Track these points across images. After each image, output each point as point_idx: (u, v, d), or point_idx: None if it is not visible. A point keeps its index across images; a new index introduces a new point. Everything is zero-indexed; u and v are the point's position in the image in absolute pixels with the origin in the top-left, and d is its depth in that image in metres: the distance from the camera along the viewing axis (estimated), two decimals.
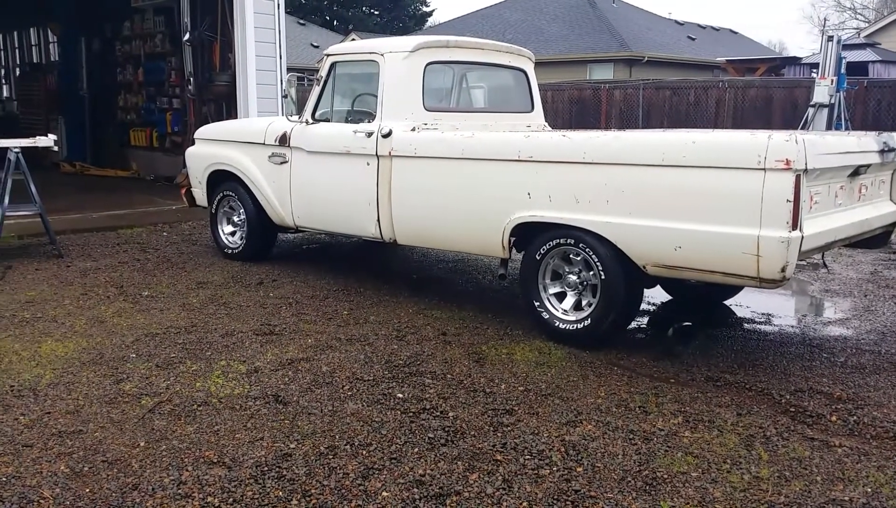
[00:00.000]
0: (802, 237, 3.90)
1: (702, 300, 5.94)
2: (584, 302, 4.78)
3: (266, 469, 3.18)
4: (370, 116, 5.81)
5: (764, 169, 3.86)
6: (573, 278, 4.79)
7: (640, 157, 4.32)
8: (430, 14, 56.50)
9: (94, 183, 12.96)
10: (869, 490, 3.07)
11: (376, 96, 5.76)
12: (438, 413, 3.75)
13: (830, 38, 11.63)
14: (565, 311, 4.82)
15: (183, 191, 7.91)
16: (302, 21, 44.59)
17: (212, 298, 5.82)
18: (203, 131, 7.69)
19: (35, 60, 17.19)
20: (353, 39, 32.00)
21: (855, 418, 3.76)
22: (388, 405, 3.85)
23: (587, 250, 4.61)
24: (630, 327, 5.12)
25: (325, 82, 6.19)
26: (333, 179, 6.02)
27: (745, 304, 5.91)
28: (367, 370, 4.32)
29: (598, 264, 4.57)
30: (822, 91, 11.59)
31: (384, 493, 3.01)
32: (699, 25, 38.07)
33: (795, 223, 3.86)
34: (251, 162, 6.77)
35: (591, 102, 16.66)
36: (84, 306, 5.56)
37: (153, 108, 13.84)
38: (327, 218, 6.28)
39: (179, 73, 12.72)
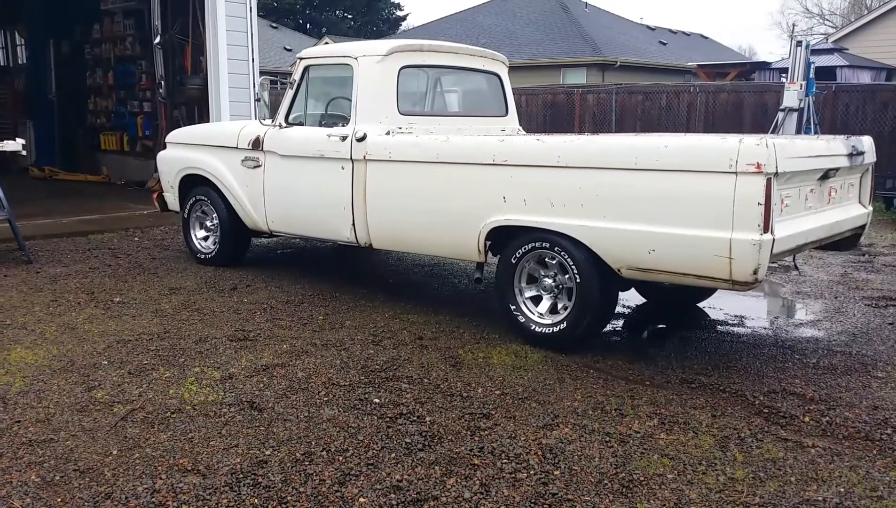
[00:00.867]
0: (774, 240, 3.94)
1: (676, 303, 5.99)
2: (559, 305, 4.80)
3: (241, 476, 3.15)
4: (344, 120, 5.79)
5: (735, 173, 3.90)
6: (549, 281, 4.81)
7: (613, 161, 4.34)
8: (404, 18, 56.45)
9: (64, 188, 12.79)
10: (842, 489, 3.11)
11: (350, 100, 5.74)
12: (415, 418, 3.74)
13: (799, 44, 11.78)
14: (541, 314, 4.84)
15: (154, 195, 7.82)
16: (275, 24, 44.33)
17: (185, 304, 5.76)
18: (175, 135, 7.62)
19: (2, 63, 16.92)
20: (327, 43, 31.89)
21: (827, 418, 3.81)
22: (365, 410, 3.83)
23: (562, 253, 4.62)
24: (605, 329, 5.15)
25: (299, 86, 6.16)
26: (308, 184, 5.99)
27: (718, 306, 5.96)
28: (343, 376, 4.30)
29: (573, 267, 4.59)
30: (792, 95, 11.74)
31: (361, 499, 2.99)
32: (670, 31, 38.41)
33: (767, 226, 3.90)
34: (224, 166, 6.71)
35: (564, 106, 16.74)
36: (54, 313, 5.47)
37: (124, 111, 13.68)
38: (302, 222, 6.24)
39: (150, 76, 12.59)
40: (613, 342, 5.19)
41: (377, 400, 3.95)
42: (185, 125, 9.98)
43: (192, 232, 7.23)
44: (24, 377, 4.20)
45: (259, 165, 6.38)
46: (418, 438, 3.51)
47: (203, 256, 7.12)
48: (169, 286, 6.29)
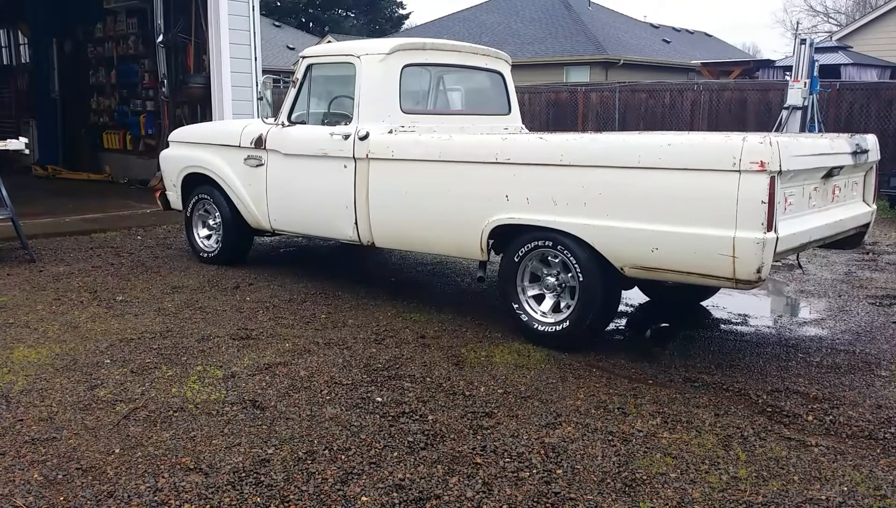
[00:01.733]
0: (777, 238, 3.93)
1: (679, 302, 5.98)
2: (562, 304, 4.79)
3: (244, 475, 3.15)
4: (347, 119, 5.78)
5: (739, 171, 3.89)
6: (551, 280, 4.80)
7: (616, 159, 4.33)
8: (406, 16, 56.46)
9: (67, 187, 12.81)
10: (845, 488, 3.10)
11: (353, 99, 5.74)
12: (418, 417, 3.73)
13: (803, 42, 11.74)
14: (544, 313, 4.83)
15: (157, 194, 7.83)
16: (277, 23, 44.34)
17: (187, 302, 5.77)
18: (177, 134, 7.62)
19: (5, 63, 16.94)
20: (329, 42, 31.90)
21: (831, 417, 3.80)
22: (367, 409, 3.83)
23: (565, 252, 4.62)
24: (608, 328, 5.14)
25: (301, 84, 6.16)
26: (310, 182, 5.99)
27: (721, 305, 5.95)
28: (345, 374, 4.29)
29: (576, 266, 4.58)
30: (796, 94, 11.71)
31: (363, 498, 2.99)
32: (674, 28, 38.34)
33: (770, 225, 3.89)
34: (227, 165, 6.71)
35: (567, 104, 16.72)
36: (57, 312, 5.48)
37: (126, 110, 13.69)
38: (304, 221, 6.24)
39: (153, 75, 12.59)
40: (616, 341, 5.18)
41: (379, 399, 3.95)
42: (187, 124, 9.97)
43: (194, 231, 7.24)
44: (27, 376, 4.21)
45: (262, 164, 6.38)
46: (421, 437, 3.51)
47: (206, 254, 7.13)
48: (171, 285, 6.29)
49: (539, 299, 4.89)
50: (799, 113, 11.70)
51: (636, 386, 4.18)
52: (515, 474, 3.19)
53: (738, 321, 5.59)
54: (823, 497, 3.03)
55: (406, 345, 4.83)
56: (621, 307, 5.61)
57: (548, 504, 2.96)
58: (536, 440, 3.49)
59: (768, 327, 5.48)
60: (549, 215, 4.62)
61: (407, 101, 5.84)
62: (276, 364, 4.43)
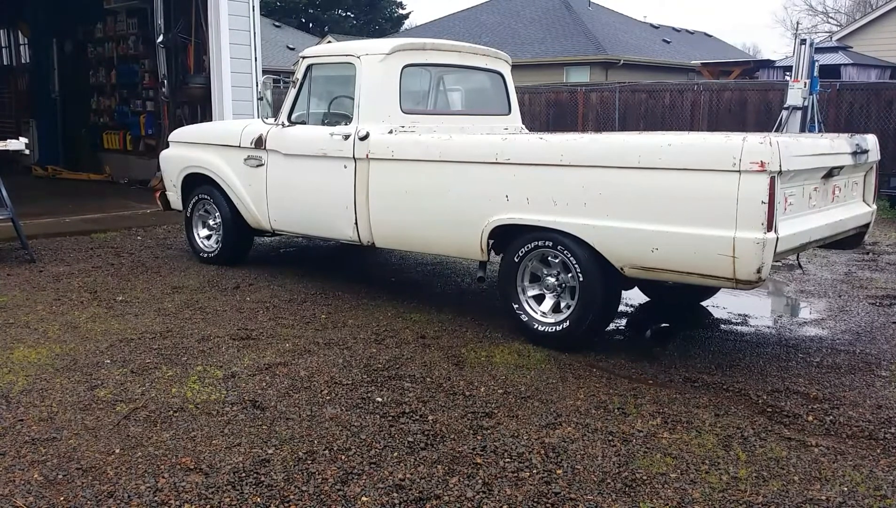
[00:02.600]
0: (777, 239, 3.93)
1: (679, 302, 5.98)
2: (562, 304, 4.79)
3: (244, 475, 3.15)
4: (347, 119, 5.78)
5: (739, 171, 3.89)
6: (552, 280, 4.80)
7: (616, 159, 4.33)
8: (406, 17, 56.45)
9: (67, 187, 12.81)
10: (845, 489, 3.10)
11: (353, 99, 5.74)
12: (418, 417, 3.73)
13: (803, 42, 11.74)
14: (544, 313, 4.83)
15: (157, 194, 7.83)
16: (277, 23, 44.33)
17: (187, 302, 5.77)
18: (177, 134, 7.62)
19: (5, 63, 16.94)
20: (329, 42, 31.89)
21: (831, 417, 3.80)
22: (367, 409, 3.83)
23: (565, 252, 4.62)
24: (608, 328, 5.14)
25: (301, 85, 6.16)
26: (310, 182, 5.99)
27: (721, 305, 5.95)
28: (345, 375, 4.29)
29: (576, 266, 4.58)
30: (796, 94, 11.71)
31: (364, 498, 2.99)
32: (674, 29, 38.33)
33: (770, 225, 3.89)
34: (227, 165, 6.71)
35: (567, 104, 16.71)
36: (57, 312, 5.48)
37: (127, 110, 13.70)
38: (304, 221, 6.24)
39: (153, 75, 12.59)
40: (616, 341, 5.18)
41: (380, 399, 3.95)
42: (187, 124, 9.97)
43: (194, 231, 7.24)
44: (27, 376, 4.21)
45: (262, 164, 6.38)
46: (421, 437, 3.51)
47: (206, 254, 7.13)
48: (171, 285, 6.29)
49: (539, 299, 4.89)
50: (799, 113, 11.70)
51: (636, 386, 4.18)
52: (515, 474, 3.19)
53: (738, 321, 5.59)
54: (823, 498, 3.02)
55: (406, 345, 4.83)
56: (621, 307, 5.61)
57: (548, 504, 2.96)
58: (536, 441, 3.49)
59: (768, 327, 5.47)
60: (550, 215, 4.62)
61: (407, 101, 5.84)
62: (277, 364, 4.43)
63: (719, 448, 3.45)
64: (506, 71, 6.69)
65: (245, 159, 6.51)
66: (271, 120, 6.32)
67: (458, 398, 3.97)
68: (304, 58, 6.22)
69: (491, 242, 5.00)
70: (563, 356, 4.63)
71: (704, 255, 4.07)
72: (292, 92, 6.20)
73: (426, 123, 5.83)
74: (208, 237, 7.17)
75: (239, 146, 6.57)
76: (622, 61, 28.70)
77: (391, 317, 5.45)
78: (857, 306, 5.94)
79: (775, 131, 11.51)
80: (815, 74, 11.95)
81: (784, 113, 11.94)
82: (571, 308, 4.69)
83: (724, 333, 5.30)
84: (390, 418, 3.72)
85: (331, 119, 6.02)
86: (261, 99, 6.36)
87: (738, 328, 5.42)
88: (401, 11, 56.38)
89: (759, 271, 3.93)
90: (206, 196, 6.99)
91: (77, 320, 5.29)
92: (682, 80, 23.04)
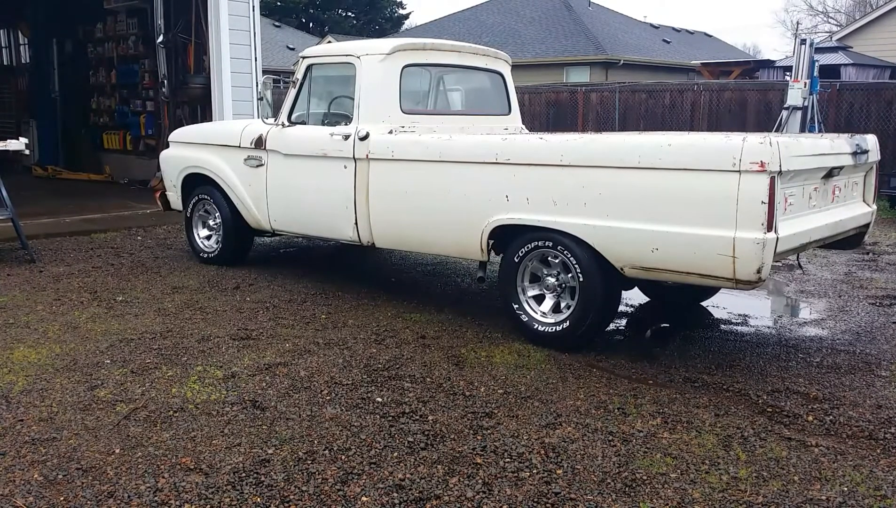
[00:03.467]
0: (777, 239, 3.93)
1: (679, 302, 5.98)
2: (562, 304, 4.79)
3: (244, 475, 3.15)
4: (347, 119, 5.78)
5: (739, 171, 3.89)
6: (552, 280, 4.80)
7: (616, 159, 4.33)
8: (406, 17, 56.41)
9: (67, 187, 12.80)
10: (846, 489, 3.10)
11: (353, 99, 5.74)
12: (418, 417, 3.73)
13: (803, 42, 11.74)
14: (544, 313, 4.83)
15: (157, 195, 7.83)
16: (277, 23, 44.32)
17: (187, 302, 5.77)
18: (177, 134, 7.62)
19: (5, 63, 16.94)
20: (329, 42, 31.88)
21: (831, 417, 3.80)
22: (367, 409, 3.83)
23: (565, 252, 4.62)
24: (608, 328, 5.14)
25: (302, 85, 6.16)
26: (310, 183, 5.99)
27: (721, 305, 5.95)
28: (345, 375, 4.29)
29: (576, 266, 4.58)
30: (796, 94, 11.71)
31: (364, 498, 2.99)
32: (674, 29, 38.33)
33: (770, 225, 3.89)
34: (227, 165, 6.71)
35: (567, 104, 16.71)
36: (57, 312, 5.48)
37: (126, 110, 13.69)
38: (304, 221, 6.24)
39: (153, 75, 12.59)
40: (616, 341, 5.18)
41: (380, 399, 3.95)
42: (187, 124, 9.98)
43: (194, 231, 7.24)
44: (27, 376, 4.21)
45: (262, 165, 6.38)
46: (421, 437, 3.51)
47: (206, 255, 7.13)
48: (172, 285, 6.29)
49: (539, 299, 4.89)
50: (799, 113, 11.70)
51: (636, 386, 4.18)
52: (515, 474, 3.19)
53: (738, 321, 5.59)
54: (823, 498, 3.02)
55: (406, 345, 4.83)
56: (621, 307, 5.61)
57: (548, 504, 2.96)
58: (536, 441, 3.49)
59: (768, 327, 5.47)
60: (549, 215, 4.62)
61: (407, 101, 5.84)
62: (277, 364, 4.43)
63: (719, 447, 3.45)
64: (506, 71, 6.68)
65: (245, 160, 6.51)
66: (271, 120, 6.32)
67: (458, 398, 3.97)
68: (304, 58, 6.22)
69: (491, 242, 5.00)
70: (563, 356, 4.63)
71: (704, 255, 4.07)
72: (292, 92, 6.20)
73: (426, 123, 5.83)
74: (208, 237, 7.17)
75: (239, 146, 6.57)
76: (622, 61, 28.71)
77: (391, 317, 5.45)
78: (857, 307, 5.94)
79: (775, 131, 11.51)
80: (815, 74, 11.95)
81: (784, 113, 11.94)
82: (571, 308, 4.69)
83: (724, 333, 5.30)
84: (390, 418, 3.72)
85: (331, 119, 6.02)
86: (261, 99, 6.35)
87: (738, 328, 5.42)
88: (401, 11, 56.36)
89: (759, 271, 3.93)
90: (206, 196, 6.99)
91: (77, 320, 5.29)
92: (682, 80, 23.05)
